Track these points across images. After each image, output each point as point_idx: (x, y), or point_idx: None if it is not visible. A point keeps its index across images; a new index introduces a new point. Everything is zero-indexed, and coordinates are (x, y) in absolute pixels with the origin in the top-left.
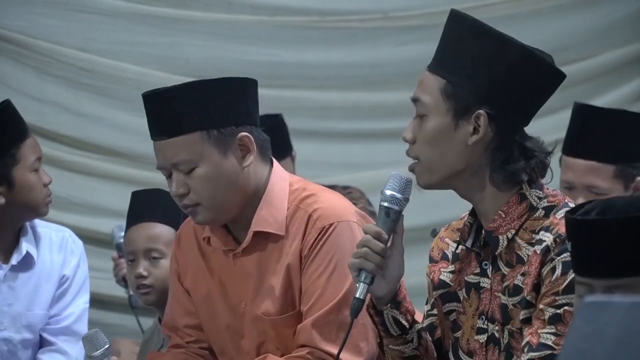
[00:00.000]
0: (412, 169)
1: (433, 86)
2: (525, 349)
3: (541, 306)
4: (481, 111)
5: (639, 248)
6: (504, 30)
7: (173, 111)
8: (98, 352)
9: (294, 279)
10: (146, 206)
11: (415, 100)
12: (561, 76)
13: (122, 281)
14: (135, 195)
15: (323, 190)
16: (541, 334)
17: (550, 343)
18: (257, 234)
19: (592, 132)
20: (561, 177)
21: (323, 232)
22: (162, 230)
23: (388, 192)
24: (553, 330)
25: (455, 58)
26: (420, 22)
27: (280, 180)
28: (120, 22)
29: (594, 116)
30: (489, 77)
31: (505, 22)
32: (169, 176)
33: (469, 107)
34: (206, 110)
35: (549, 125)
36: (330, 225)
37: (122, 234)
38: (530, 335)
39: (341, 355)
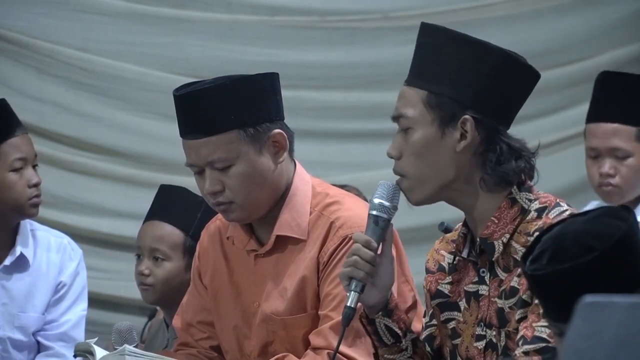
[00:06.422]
0: (399, 187)
1: (414, 99)
2: (520, 342)
3: (537, 301)
4: (467, 116)
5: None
6: (504, 30)
7: (209, 110)
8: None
9: (308, 282)
10: (163, 204)
11: (398, 117)
12: (537, 76)
13: None
14: (160, 190)
15: (346, 197)
16: (536, 327)
17: (544, 336)
18: (279, 237)
19: (612, 96)
20: (586, 146)
21: (347, 241)
22: (169, 232)
23: (376, 201)
24: (548, 324)
25: (436, 69)
26: (420, 22)
27: (304, 183)
28: (120, 22)
29: (613, 80)
30: (472, 83)
31: (505, 22)
32: (198, 173)
33: (454, 114)
34: (242, 108)
35: (549, 126)
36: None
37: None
38: (525, 329)
39: None
